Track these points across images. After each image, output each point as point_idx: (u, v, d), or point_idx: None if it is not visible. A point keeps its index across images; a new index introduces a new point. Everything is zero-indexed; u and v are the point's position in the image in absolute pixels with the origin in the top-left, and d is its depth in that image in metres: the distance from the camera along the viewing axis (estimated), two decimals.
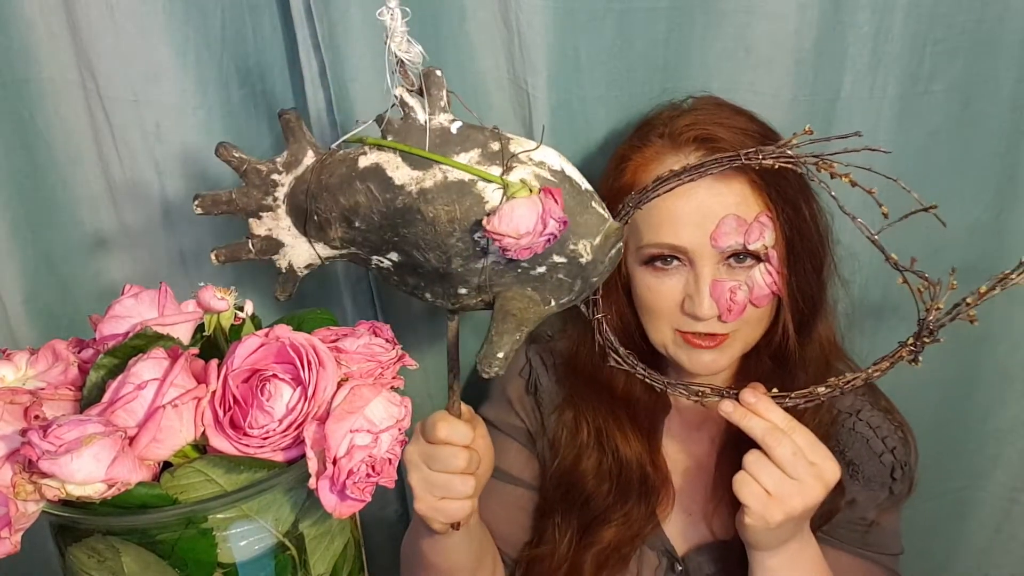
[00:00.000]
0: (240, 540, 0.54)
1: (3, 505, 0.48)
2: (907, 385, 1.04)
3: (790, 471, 0.68)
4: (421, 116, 0.61)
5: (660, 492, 0.86)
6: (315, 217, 0.64)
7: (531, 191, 0.60)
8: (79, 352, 0.58)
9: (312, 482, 0.51)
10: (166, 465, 0.52)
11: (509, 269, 0.64)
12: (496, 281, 0.65)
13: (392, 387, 0.56)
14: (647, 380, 0.74)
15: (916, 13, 0.84)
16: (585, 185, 0.64)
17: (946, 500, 1.17)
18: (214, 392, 0.52)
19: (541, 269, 0.64)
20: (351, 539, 0.62)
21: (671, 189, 0.68)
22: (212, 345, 0.60)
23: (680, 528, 0.88)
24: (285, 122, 0.65)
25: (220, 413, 0.52)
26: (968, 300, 0.64)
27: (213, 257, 0.66)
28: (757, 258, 0.74)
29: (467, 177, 0.61)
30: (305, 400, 0.52)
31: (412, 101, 0.61)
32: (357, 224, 0.64)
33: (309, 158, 0.65)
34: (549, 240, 0.59)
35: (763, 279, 0.74)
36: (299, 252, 0.66)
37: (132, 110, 0.85)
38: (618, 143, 0.87)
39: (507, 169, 0.61)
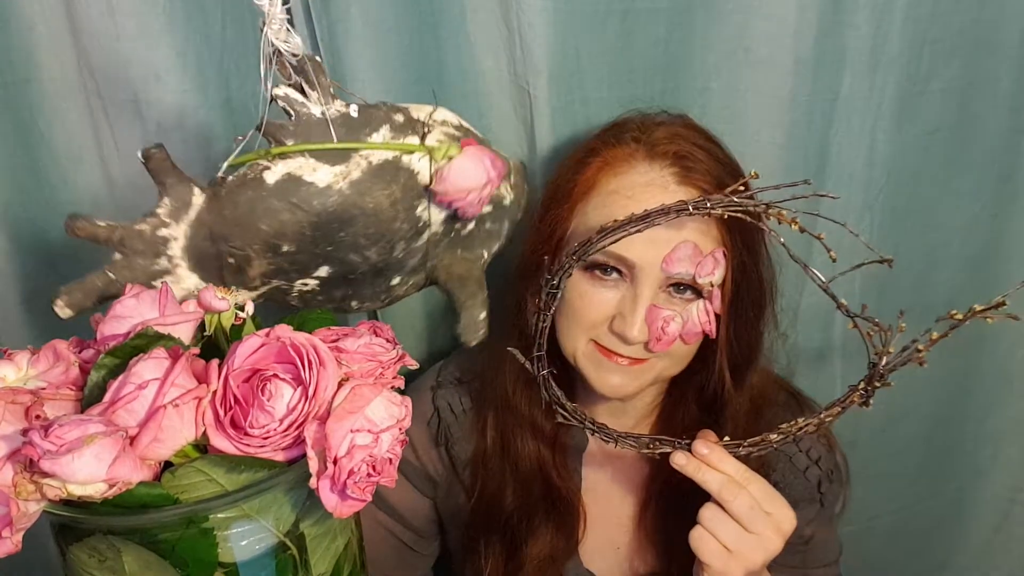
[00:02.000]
0: (241, 540, 0.54)
1: (4, 505, 0.48)
2: (907, 385, 1.04)
3: (748, 525, 0.66)
4: (316, 109, 0.56)
5: (566, 504, 0.83)
6: (230, 259, 0.57)
7: (459, 148, 0.59)
8: (80, 352, 0.58)
9: (313, 482, 0.51)
10: (167, 465, 0.52)
11: (444, 237, 0.61)
12: (431, 253, 0.62)
13: (392, 387, 0.56)
14: (598, 434, 0.70)
15: (915, 14, 0.85)
16: (480, 135, 0.63)
17: (946, 500, 1.18)
18: (215, 392, 0.52)
19: (470, 226, 0.62)
20: (352, 538, 0.62)
21: (616, 240, 0.63)
22: (213, 345, 0.60)
23: (608, 561, 0.86)
24: (156, 163, 0.54)
25: (221, 413, 0.52)
26: (920, 345, 0.63)
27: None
28: (697, 293, 0.72)
29: (391, 155, 0.57)
30: (306, 400, 0.52)
31: (301, 97, 0.56)
32: (285, 248, 0.57)
33: (197, 197, 0.56)
34: (501, 180, 0.59)
35: (698, 316, 0.71)
36: None
37: (132, 110, 0.85)
38: None
39: (422, 136, 0.58)
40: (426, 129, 0.58)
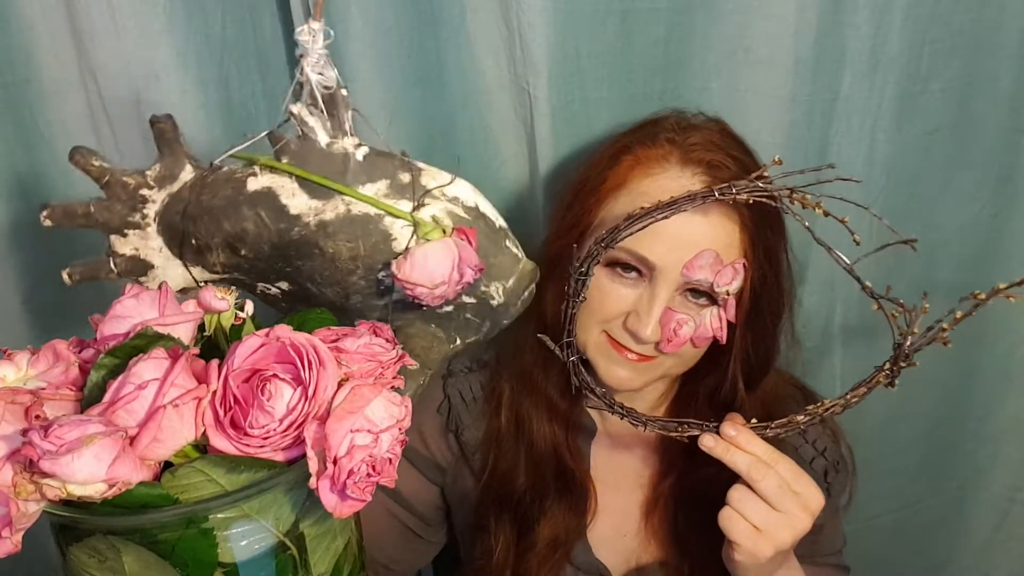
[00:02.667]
0: (241, 540, 0.54)
1: (4, 505, 0.48)
2: (907, 385, 1.04)
3: (776, 504, 0.67)
4: (322, 138, 0.55)
5: (578, 486, 0.84)
6: (193, 241, 0.57)
7: (444, 232, 0.55)
8: (80, 352, 0.58)
9: (313, 482, 0.51)
10: (167, 465, 0.52)
11: (413, 306, 0.59)
12: (398, 316, 0.59)
13: (392, 387, 0.56)
14: (627, 419, 0.71)
15: (914, 14, 0.85)
16: (499, 222, 0.59)
17: (946, 499, 1.18)
18: (215, 392, 0.52)
19: (448, 308, 0.59)
20: (352, 538, 0.62)
21: (644, 227, 0.64)
22: (213, 345, 0.60)
23: (616, 549, 0.87)
24: (159, 131, 0.56)
25: (221, 413, 0.52)
26: (944, 325, 0.63)
27: (66, 276, 0.59)
28: (712, 300, 0.73)
29: (373, 211, 0.55)
30: (306, 400, 0.52)
31: (312, 121, 0.55)
32: (244, 252, 0.57)
33: (187, 173, 0.57)
34: (464, 287, 0.55)
35: (711, 322, 0.72)
36: (171, 275, 0.60)
37: (133, 110, 0.85)
38: None
39: (418, 205, 0.55)
40: (426, 199, 0.55)
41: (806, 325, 0.99)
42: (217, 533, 0.53)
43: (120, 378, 0.51)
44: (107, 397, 0.51)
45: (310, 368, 0.52)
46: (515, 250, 0.60)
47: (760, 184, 0.63)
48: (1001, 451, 1.14)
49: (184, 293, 0.62)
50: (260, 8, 0.85)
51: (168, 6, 0.82)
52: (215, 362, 0.53)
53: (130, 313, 0.57)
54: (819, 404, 0.69)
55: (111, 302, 0.59)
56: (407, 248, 0.55)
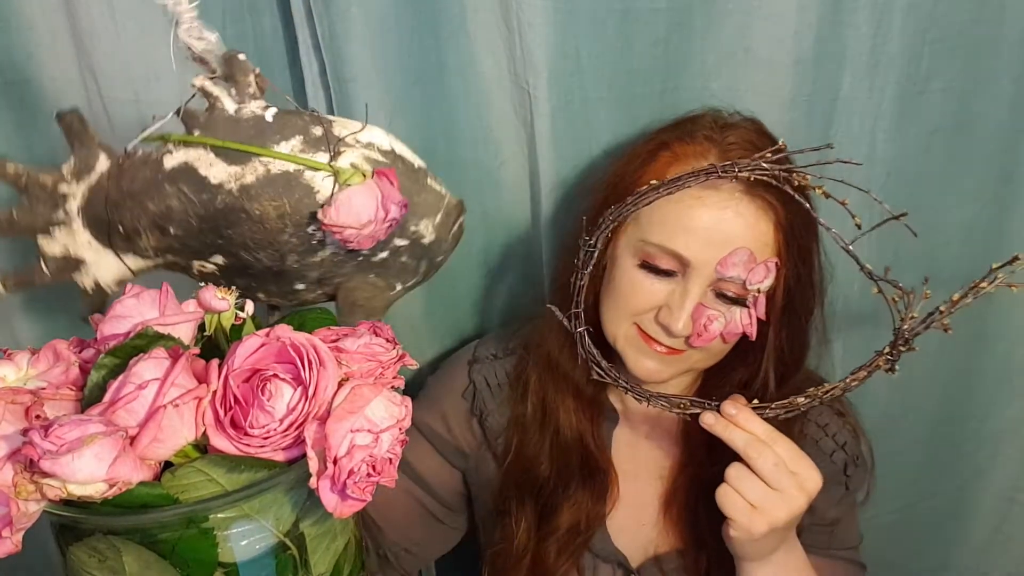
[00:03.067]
0: (241, 540, 0.54)
1: (4, 505, 0.48)
2: (907, 385, 1.04)
3: (772, 482, 0.68)
4: (230, 106, 0.56)
5: (602, 474, 0.85)
6: (120, 228, 0.58)
7: (364, 175, 0.56)
8: (80, 352, 0.58)
9: (313, 482, 0.51)
10: (167, 465, 0.52)
11: (349, 259, 0.60)
12: (336, 272, 0.61)
13: (392, 387, 0.56)
14: (630, 392, 0.72)
15: (915, 13, 0.85)
16: (418, 162, 0.60)
17: (945, 499, 1.17)
18: (215, 392, 0.52)
19: (383, 254, 0.60)
20: (352, 538, 0.62)
21: (650, 203, 0.66)
22: (213, 345, 0.60)
23: (634, 538, 0.87)
24: (67, 125, 0.57)
25: (221, 413, 0.52)
26: (942, 308, 0.64)
27: (0, 287, 0.59)
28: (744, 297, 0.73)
29: (292, 167, 0.56)
30: (306, 400, 0.52)
31: (217, 90, 0.56)
32: (172, 231, 0.58)
33: (103, 163, 0.58)
34: (392, 225, 0.56)
35: (741, 318, 0.73)
36: (105, 267, 0.60)
37: (133, 110, 0.85)
38: (619, 144, 0.86)
39: (335, 154, 0.56)
40: (341, 148, 0.56)
41: None
42: (217, 533, 0.53)
43: (120, 378, 0.51)
44: (107, 397, 0.51)
45: (310, 368, 0.52)
46: (438, 187, 0.60)
47: (763, 164, 0.64)
48: (1001, 451, 1.14)
49: (120, 285, 0.61)
50: (260, 8, 0.85)
51: None
52: (215, 362, 0.53)
53: (130, 313, 0.57)
54: (819, 387, 0.70)
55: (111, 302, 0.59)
56: (332, 196, 0.56)
